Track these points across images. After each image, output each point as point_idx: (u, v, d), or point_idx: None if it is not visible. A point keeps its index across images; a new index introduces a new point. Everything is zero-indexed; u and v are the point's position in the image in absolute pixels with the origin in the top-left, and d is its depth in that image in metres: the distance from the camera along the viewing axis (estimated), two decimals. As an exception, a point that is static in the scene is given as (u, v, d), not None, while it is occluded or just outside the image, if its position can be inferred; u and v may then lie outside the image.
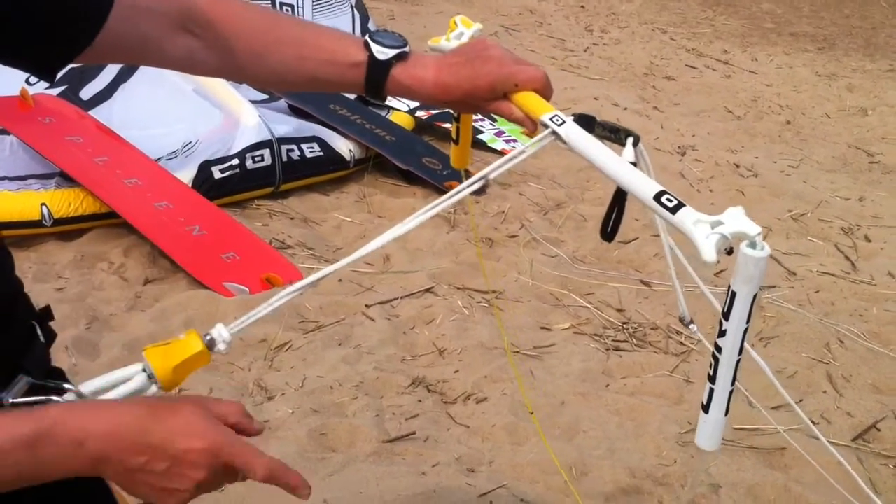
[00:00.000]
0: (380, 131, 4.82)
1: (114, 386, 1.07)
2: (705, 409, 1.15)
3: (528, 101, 1.28)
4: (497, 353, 3.30)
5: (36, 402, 1.03)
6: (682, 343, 3.49)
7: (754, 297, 1.08)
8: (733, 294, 1.08)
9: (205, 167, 4.13)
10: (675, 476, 2.79)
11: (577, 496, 2.65)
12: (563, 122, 1.22)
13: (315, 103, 4.94)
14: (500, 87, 1.28)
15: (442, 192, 4.53)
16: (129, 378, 1.07)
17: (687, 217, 1.07)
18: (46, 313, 1.25)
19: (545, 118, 1.23)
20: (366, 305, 3.54)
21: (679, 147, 5.39)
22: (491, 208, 4.44)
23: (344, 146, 4.60)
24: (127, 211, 3.81)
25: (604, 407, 3.08)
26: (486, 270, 3.90)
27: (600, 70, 6.85)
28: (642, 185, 1.13)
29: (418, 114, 5.26)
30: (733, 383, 1.14)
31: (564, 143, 1.21)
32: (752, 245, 1.06)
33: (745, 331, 1.10)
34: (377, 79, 1.30)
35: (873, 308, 3.83)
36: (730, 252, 1.05)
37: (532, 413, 2.85)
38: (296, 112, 4.96)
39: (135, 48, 1.27)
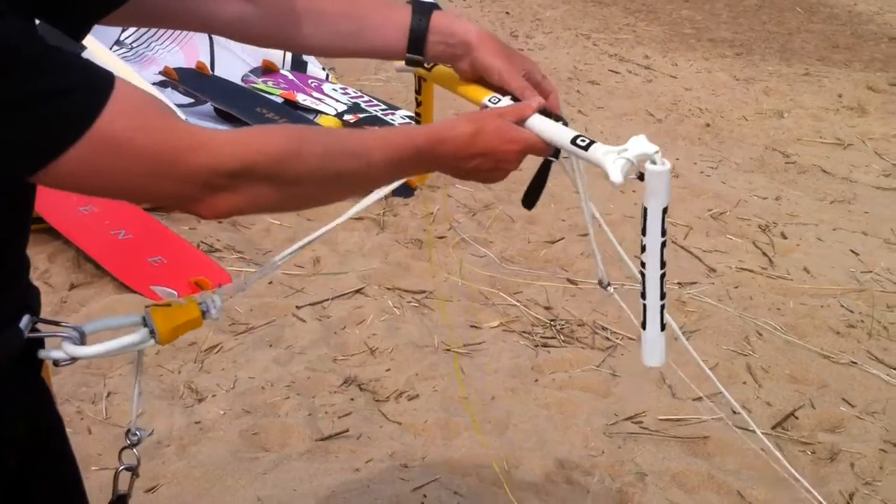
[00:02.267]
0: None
1: (112, 330, 1.21)
2: (643, 326, 1.24)
3: (473, 88, 1.44)
4: (427, 352, 3.34)
5: (46, 336, 1.18)
6: (607, 339, 3.57)
7: (664, 209, 1.19)
8: (645, 210, 1.20)
9: (131, 171, 4.09)
10: (603, 466, 2.86)
11: (508, 489, 2.70)
12: (500, 100, 1.38)
13: (242, 106, 4.93)
14: (529, 67, 1.42)
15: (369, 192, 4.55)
16: (128, 325, 1.21)
17: (597, 150, 1.23)
18: None
19: (485, 100, 1.39)
20: (296, 307, 3.55)
21: (603, 149, 5.51)
22: (420, 210, 4.48)
23: (272, 150, 4.59)
24: (51, 215, 3.75)
25: (533, 401, 3.14)
26: (416, 270, 3.94)
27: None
28: (561, 134, 1.28)
29: (346, 117, 5.28)
30: (663, 297, 1.23)
31: None
32: (654, 162, 1.19)
33: (663, 244, 1.21)
34: (422, 23, 1.39)
35: (790, 302, 3.97)
36: (640, 177, 1.20)
37: (465, 397, 2.89)
38: (223, 116, 4.94)
39: (179, 12, 1.35)
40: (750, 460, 2.97)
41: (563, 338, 3.54)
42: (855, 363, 3.53)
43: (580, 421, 3.05)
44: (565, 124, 1.38)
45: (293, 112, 5.11)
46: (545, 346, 3.49)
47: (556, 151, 1.39)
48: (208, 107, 5.02)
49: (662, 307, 1.23)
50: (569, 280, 3.98)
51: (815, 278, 4.21)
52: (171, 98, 4.77)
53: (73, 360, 1.18)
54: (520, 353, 3.42)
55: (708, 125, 6.37)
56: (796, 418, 3.20)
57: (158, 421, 2.81)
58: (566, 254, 4.21)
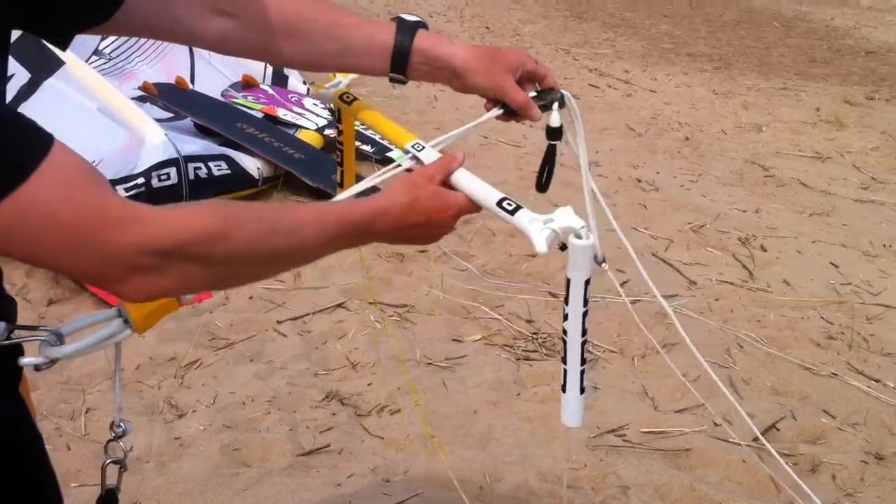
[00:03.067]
0: (288, 149, 4.82)
1: (90, 326, 1.22)
2: (563, 388, 1.28)
3: (394, 130, 1.46)
4: (409, 366, 3.33)
5: (19, 345, 1.17)
6: (589, 351, 3.57)
7: (587, 281, 1.22)
8: (568, 281, 1.23)
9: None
10: (586, 479, 2.86)
11: (490, 503, 2.69)
12: (423, 147, 1.38)
13: (223, 122, 4.92)
14: (517, 64, 1.41)
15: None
16: (104, 320, 1.21)
17: (523, 217, 1.24)
18: None
19: (408, 145, 1.40)
20: (277, 321, 3.53)
21: (583, 163, 5.53)
22: (401, 224, 4.47)
23: (252, 164, 4.59)
24: (29, 231, 3.72)
25: (515, 415, 3.14)
26: (398, 284, 3.93)
27: (506, 89, 6.96)
28: (487, 195, 1.29)
29: (326, 132, 5.28)
30: (583, 363, 1.27)
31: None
32: (578, 236, 1.21)
33: (585, 313, 1.24)
34: (405, 44, 1.39)
35: (770, 314, 3.98)
36: (563, 248, 1.21)
37: (433, 437, 2.88)
38: (203, 131, 4.93)
39: (164, 27, 1.34)
40: (732, 472, 2.97)
41: (544, 351, 3.54)
42: (835, 375, 3.55)
43: (562, 434, 3.04)
44: (561, 101, 1.43)
45: (274, 128, 5.10)
46: (527, 359, 3.49)
47: (559, 133, 1.43)
48: (188, 122, 5.01)
49: (583, 372, 1.26)
50: (550, 293, 3.98)
51: (794, 290, 4.24)
52: (151, 112, 4.75)
53: (53, 362, 1.17)
54: (502, 366, 3.41)
55: (687, 139, 6.41)
56: (778, 430, 3.20)
57: (138, 437, 2.78)
58: (547, 267, 4.22)
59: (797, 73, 8.53)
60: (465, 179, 1.31)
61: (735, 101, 7.40)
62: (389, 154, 5.25)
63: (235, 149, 4.65)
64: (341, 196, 1.43)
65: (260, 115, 5.27)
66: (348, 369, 3.29)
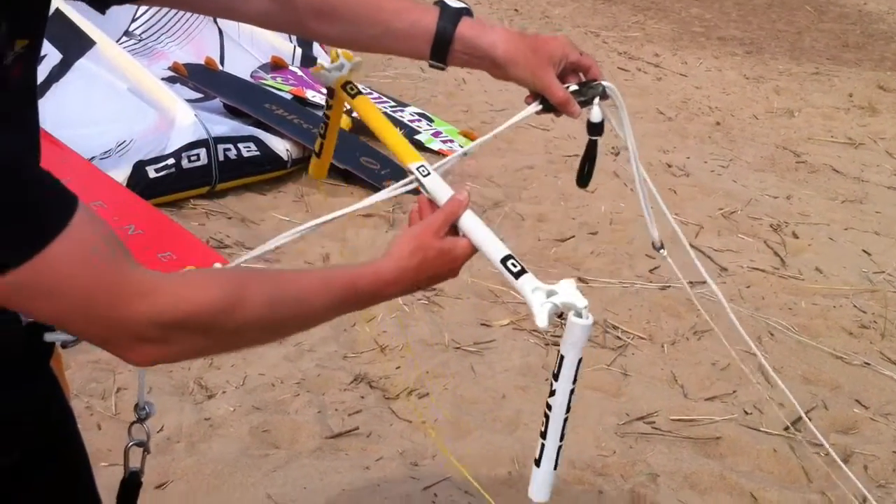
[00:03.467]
0: (317, 131, 4.80)
1: None
2: (537, 463, 1.22)
3: (401, 146, 1.40)
4: (438, 349, 3.33)
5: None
6: (619, 338, 3.55)
7: (579, 361, 1.17)
8: (562, 357, 1.18)
9: (139, 167, 4.08)
10: (615, 466, 2.84)
11: (519, 488, 2.68)
12: (429, 173, 1.33)
13: (252, 103, 4.92)
14: (559, 55, 1.37)
15: (380, 191, 4.53)
16: None
17: (527, 284, 1.20)
18: None
19: (412, 167, 1.34)
20: (306, 303, 3.53)
21: (613, 148, 5.47)
22: (429, 207, 4.46)
23: (281, 146, 4.59)
24: (60, 210, 3.74)
25: (544, 400, 3.11)
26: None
27: (535, 72, 6.91)
28: (493, 250, 1.24)
29: (355, 114, 5.26)
30: (562, 439, 1.21)
31: (427, 192, 1.32)
32: (579, 314, 1.16)
33: (572, 391, 1.18)
34: (447, 32, 1.35)
35: (802, 302, 3.94)
36: (560, 315, 1.18)
37: (434, 434, 2.86)
38: (232, 112, 4.93)
39: (203, 2, 1.36)
40: (763, 461, 2.95)
41: (573, 336, 3.52)
42: (868, 364, 3.51)
43: (591, 421, 3.03)
44: (603, 93, 1.38)
45: (303, 109, 5.09)
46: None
47: (600, 128, 1.39)
48: (217, 102, 5.01)
49: (560, 448, 1.22)
50: (579, 279, 3.96)
51: (827, 278, 4.19)
52: (181, 93, 4.75)
53: (79, 339, 1.16)
54: (530, 351, 3.40)
55: (718, 123, 6.35)
56: (809, 419, 3.17)
57: (168, 417, 2.79)
58: (576, 252, 4.19)
59: (829, 58, 8.42)
60: (471, 226, 1.27)
61: (767, 86, 7.32)
62: (418, 137, 5.23)
63: (265, 130, 4.65)
64: (362, 203, 1.40)
65: (289, 96, 5.26)
66: (377, 352, 3.29)
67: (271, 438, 2.80)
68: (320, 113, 5.25)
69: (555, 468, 1.22)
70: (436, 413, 2.97)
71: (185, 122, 4.33)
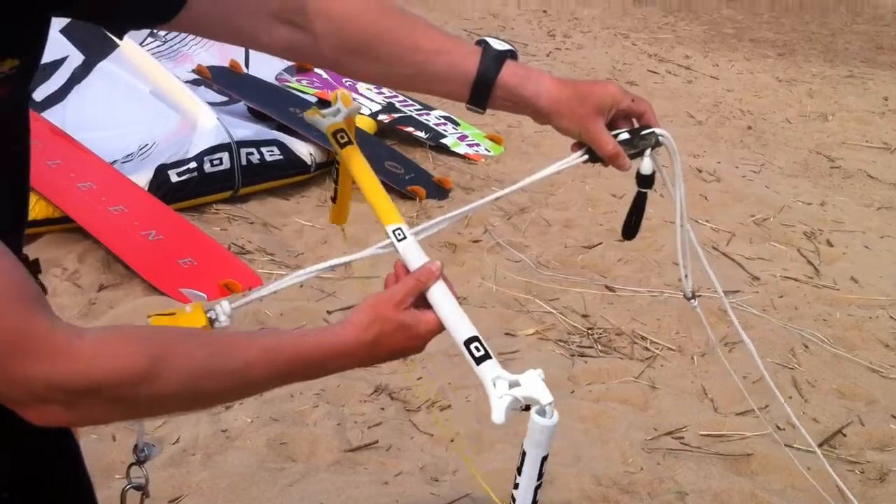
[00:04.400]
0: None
1: None
2: None
3: (382, 205, 1.32)
4: (460, 360, 3.23)
5: None
6: (647, 349, 3.45)
7: (543, 458, 1.10)
8: (524, 453, 1.10)
9: (161, 171, 4.04)
10: (642, 483, 2.75)
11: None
12: (405, 237, 1.26)
13: (275, 106, 4.87)
14: (609, 103, 1.28)
15: (405, 196, 4.47)
16: None
17: (488, 371, 1.12)
18: (36, 265, 1.20)
19: (388, 228, 1.28)
20: (327, 311, 3.47)
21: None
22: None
23: (304, 150, 4.54)
24: (81, 215, 3.71)
25: (569, 414, 3.04)
26: (449, 275, 3.84)
27: (563, 75, 6.82)
28: (457, 329, 1.15)
29: (380, 117, 5.20)
30: None
31: (401, 257, 1.26)
32: (542, 413, 1.08)
33: (537, 487, 1.11)
34: (489, 77, 1.26)
35: (836, 313, 3.83)
36: (526, 408, 1.10)
37: (455, 444, 2.77)
38: (255, 115, 4.88)
39: (225, 35, 1.28)
40: (796, 480, 2.84)
41: (600, 347, 3.44)
42: (905, 378, 3.40)
43: (618, 435, 2.94)
44: (656, 143, 1.30)
45: (327, 111, 5.03)
46: (582, 355, 3.38)
47: (650, 181, 1.30)
48: (241, 106, 4.96)
49: None
50: (607, 287, 3.87)
51: (862, 288, 4.07)
52: (204, 96, 4.71)
53: None
54: (555, 362, 3.31)
55: (750, 128, 6.23)
56: (844, 435, 3.07)
57: (184, 429, 2.74)
58: (604, 259, 4.10)
59: (864, 61, 8.26)
60: (438, 300, 1.17)
61: (800, 89, 7.19)
62: (443, 141, 5.16)
63: (288, 134, 4.60)
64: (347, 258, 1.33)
65: (314, 99, 5.21)
66: (398, 363, 3.21)
67: (288, 451, 2.74)
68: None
69: None
70: (457, 426, 2.89)
71: (207, 125, 4.29)
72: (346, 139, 1.38)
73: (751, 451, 2.93)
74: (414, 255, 1.23)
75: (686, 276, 1.50)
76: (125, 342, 0.95)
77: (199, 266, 3.60)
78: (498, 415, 1.08)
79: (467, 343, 1.13)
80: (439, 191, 4.63)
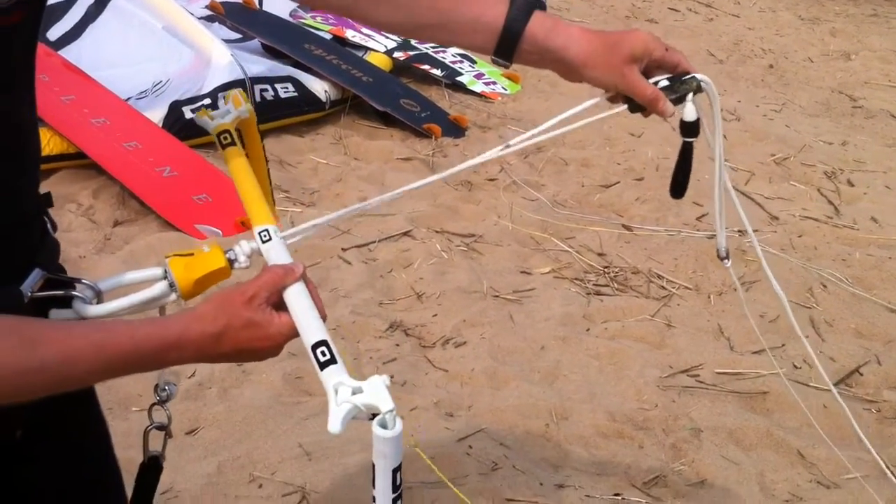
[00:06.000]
0: (356, 72, 4.70)
1: (131, 285, 1.11)
2: None
3: (254, 206, 1.24)
4: (476, 297, 3.24)
5: (55, 297, 1.08)
6: (663, 287, 3.43)
7: (395, 469, 1.03)
8: (373, 465, 1.04)
9: (175, 107, 4.01)
10: (656, 420, 2.75)
11: (556, 441, 2.60)
12: (269, 238, 1.19)
13: (290, 42, 4.81)
14: (641, 51, 1.21)
15: (420, 134, 4.43)
16: (147, 280, 1.11)
17: (331, 377, 1.04)
18: (47, 199, 1.18)
19: (255, 230, 1.20)
20: (342, 249, 3.46)
21: (661, 90, 5.31)
22: (471, 151, 4.35)
23: (319, 87, 4.49)
24: (95, 151, 3.69)
25: (584, 351, 3.03)
26: (466, 213, 3.82)
27: (581, 12, 6.72)
28: (305, 332, 1.08)
29: (396, 55, 5.14)
30: None
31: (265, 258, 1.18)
32: (384, 424, 1.01)
33: (395, 499, 1.04)
34: (516, 29, 1.19)
35: (856, 253, 3.79)
36: (372, 417, 1.02)
37: (415, 447, 2.76)
38: (270, 52, 4.83)
39: None
40: (812, 418, 2.83)
41: (616, 286, 3.42)
42: (924, 318, 3.37)
43: (633, 373, 2.93)
44: (698, 88, 1.23)
45: (342, 49, 4.98)
46: (598, 293, 3.37)
47: (696, 128, 1.24)
48: (255, 43, 4.91)
49: None
50: (624, 226, 3.84)
51: (882, 228, 4.03)
52: (218, 33, 4.66)
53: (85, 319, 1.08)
54: (571, 300, 3.30)
55: (771, 66, 6.12)
56: (861, 374, 3.05)
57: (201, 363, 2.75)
58: (621, 199, 4.07)
59: (888, 0, 8.09)
60: (294, 302, 1.09)
61: (822, 28, 7.05)
62: (459, 79, 5.10)
63: (303, 71, 4.55)
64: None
65: (328, 36, 5.14)
66: (413, 299, 3.21)
67: (304, 385, 2.75)
68: (360, 53, 5.14)
69: None
70: (472, 364, 2.89)
71: (221, 61, 4.25)
72: (228, 140, 1.32)
73: (766, 389, 2.92)
74: (278, 256, 1.16)
75: (722, 232, 1.43)
76: None
77: (215, 202, 3.59)
78: (334, 423, 1.01)
79: (314, 347, 1.06)
80: (455, 129, 4.58)
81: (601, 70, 1.21)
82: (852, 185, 4.43)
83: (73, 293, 1.07)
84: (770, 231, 3.89)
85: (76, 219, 3.46)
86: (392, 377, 2.78)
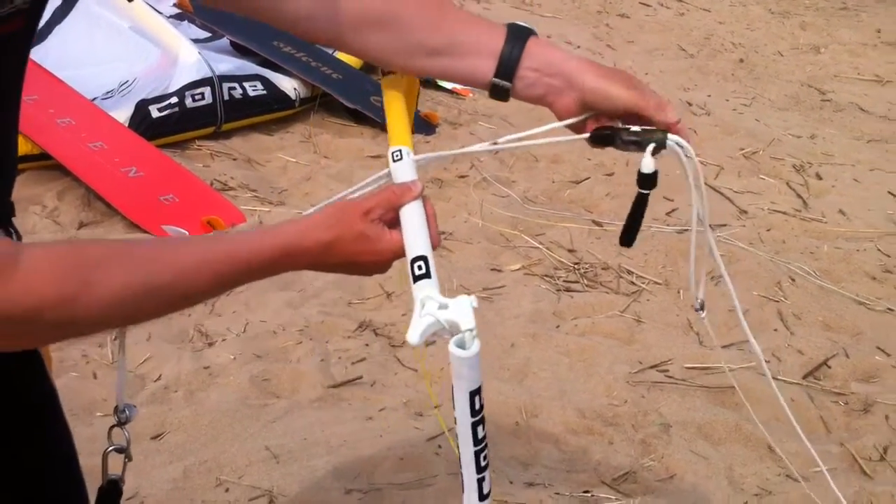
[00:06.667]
0: (326, 69, 4.67)
1: None
2: (462, 487, 1.08)
3: (398, 121, 1.24)
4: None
5: None
6: (633, 283, 3.44)
7: (473, 392, 1.02)
8: (453, 387, 1.03)
9: (142, 106, 3.97)
10: (626, 416, 2.75)
11: (526, 439, 2.60)
12: (401, 158, 1.19)
13: (259, 40, 4.77)
14: (633, 107, 1.16)
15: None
16: None
17: (420, 289, 1.05)
18: (10, 208, 1.14)
19: (390, 150, 1.21)
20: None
21: (632, 85, 5.31)
22: (441, 148, 4.33)
23: (288, 85, 4.46)
24: (60, 152, 3.65)
25: (554, 348, 3.03)
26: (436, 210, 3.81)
27: (554, 7, 6.72)
28: (410, 246, 1.09)
29: (366, 52, 5.11)
30: (480, 471, 1.06)
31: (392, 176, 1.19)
32: (462, 343, 1.00)
33: (476, 423, 1.04)
34: (515, 48, 1.16)
35: (824, 246, 3.81)
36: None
37: (436, 407, 2.72)
38: (239, 50, 4.79)
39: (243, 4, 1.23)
40: (780, 411, 2.84)
41: (586, 282, 3.42)
42: (891, 310, 3.40)
43: (602, 369, 2.93)
44: (661, 144, 1.15)
45: (311, 47, 4.94)
46: (568, 290, 3.37)
47: (653, 181, 1.17)
48: (224, 42, 4.86)
49: (481, 480, 1.07)
50: (594, 222, 3.84)
51: (850, 221, 4.05)
52: (187, 32, 4.62)
53: None
54: (541, 297, 3.30)
55: (741, 60, 6.15)
56: (829, 367, 3.07)
57: (166, 366, 2.72)
58: (591, 194, 4.07)
59: (858, -8, 8.14)
60: (407, 218, 1.10)
61: (792, 21, 7.08)
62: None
63: (273, 69, 4.52)
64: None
65: (297, 33, 5.11)
66: (383, 298, 3.19)
67: (272, 388, 2.73)
68: (330, 50, 5.10)
69: (482, 500, 1.07)
70: (442, 362, 2.88)
71: (188, 59, 4.21)
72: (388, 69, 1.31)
73: (735, 383, 2.92)
74: (403, 175, 1.16)
75: (698, 284, 1.37)
76: (54, 266, 0.90)
77: (181, 203, 3.56)
78: (413, 334, 1.01)
79: (413, 261, 1.07)
80: (426, 126, 4.57)
81: (606, 77, 1.16)
82: (821, 179, 4.45)
83: None
84: (739, 225, 3.90)
85: (40, 221, 3.42)
86: (360, 377, 2.78)
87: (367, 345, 2.95)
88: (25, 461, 1.19)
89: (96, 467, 1.30)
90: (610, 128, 1.18)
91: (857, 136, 5.06)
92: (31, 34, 1.02)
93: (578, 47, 5.89)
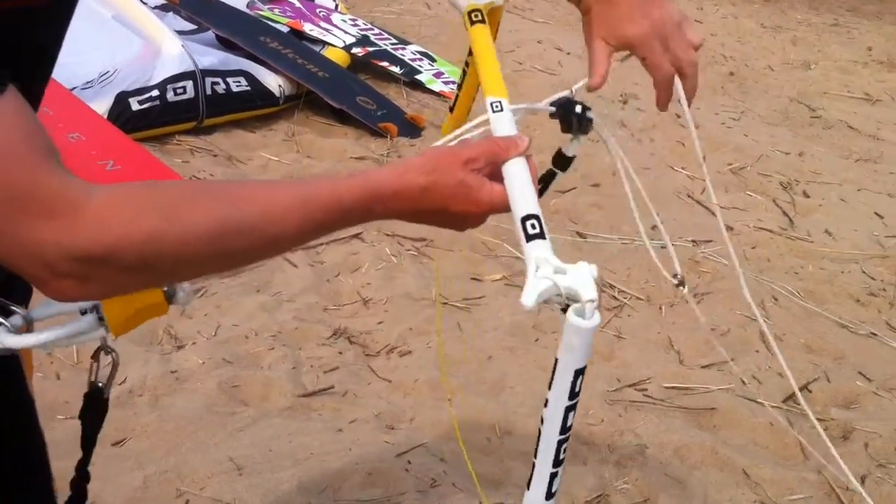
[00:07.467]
0: (312, 67, 4.60)
1: (62, 315, 1.05)
2: (528, 485, 0.99)
3: (490, 78, 1.22)
4: (424, 305, 3.17)
5: None
6: (614, 297, 3.39)
7: (578, 371, 0.93)
8: (556, 361, 0.94)
9: (122, 98, 3.89)
10: (602, 435, 2.70)
11: (498, 457, 2.54)
12: (501, 109, 1.16)
13: (245, 34, 4.70)
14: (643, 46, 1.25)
15: (375, 132, 4.35)
16: (78, 312, 1.02)
17: (534, 250, 0.98)
18: None
19: (488, 100, 1.17)
20: (288, 250, 3.37)
21: (621, 95, 5.26)
22: (425, 152, 4.27)
23: (273, 81, 4.39)
24: (35, 143, 3.56)
25: (532, 362, 2.97)
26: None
27: (545, 13, 6.66)
28: (518, 203, 1.03)
29: (354, 51, 5.05)
30: (556, 465, 0.97)
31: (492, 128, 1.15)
32: (581, 312, 0.92)
33: (570, 408, 0.95)
34: None
35: (809, 266, 3.77)
36: (564, 309, 0.94)
37: (449, 399, 2.68)
38: (224, 44, 4.71)
39: None
40: (758, 435, 2.81)
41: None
42: (874, 334, 3.36)
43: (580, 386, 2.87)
44: (582, 123, 1.23)
45: (299, 43, 4.87)
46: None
47: (566, 164, 1.24)
48: (209, 35, 4.79)
49: (553, 475, 0.97)
50: (578, 233, 3.79)
51: (836, 241, 4.01)
52: (173, 24, 4.54)
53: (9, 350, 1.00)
54: (521, 309, 3.23)
55: (732, 74, 6.11)
56: (810, 391, 3.02)
57: (132, 368, 2.65)
58: (575, 205, 4.01)
59: (849, 10, 8.11)
60: (513, 173, 1.04)
61: (784, 36, 7.05)
62: (418, 77, 5.02)
63: (258, 64, 4.44)
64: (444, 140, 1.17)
65: (286, 29, 5.03)
66: (359, 305, 3.13)
67: (240, 395, 2.66)
68: (317, 48, 5.03)
69: (547, 498, 0.98)
70: (417, 374, 2.82)
71: (171, 52, 4.13)
72: (478, 18, 1.31)
73: (714, 404, 2.88)
74: (504, 127, 1.12)
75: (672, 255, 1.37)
76: (134, 201, 0.85)
77: (158, 199, 3.47)
78: (528, 297, 0.93)
79: (525, 219, 1.00)
80: (412, 129, 4.50)
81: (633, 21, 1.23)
82: (808, 197, 4.41)
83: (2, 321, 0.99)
84: (724, 241, 3.85)
85: (12, 213, 3.33)
86: (332, 387, 2.72)
87: (340, 353, 2.89)
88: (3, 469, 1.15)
89: (57, 472, 1.26)
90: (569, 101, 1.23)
91: (846, 155, 5.02)
92: (63, 17, 1.00)
93: (569, 53, 5.82)
